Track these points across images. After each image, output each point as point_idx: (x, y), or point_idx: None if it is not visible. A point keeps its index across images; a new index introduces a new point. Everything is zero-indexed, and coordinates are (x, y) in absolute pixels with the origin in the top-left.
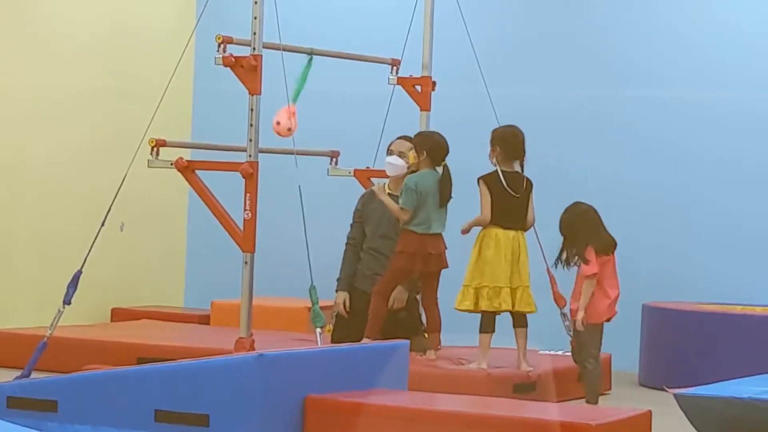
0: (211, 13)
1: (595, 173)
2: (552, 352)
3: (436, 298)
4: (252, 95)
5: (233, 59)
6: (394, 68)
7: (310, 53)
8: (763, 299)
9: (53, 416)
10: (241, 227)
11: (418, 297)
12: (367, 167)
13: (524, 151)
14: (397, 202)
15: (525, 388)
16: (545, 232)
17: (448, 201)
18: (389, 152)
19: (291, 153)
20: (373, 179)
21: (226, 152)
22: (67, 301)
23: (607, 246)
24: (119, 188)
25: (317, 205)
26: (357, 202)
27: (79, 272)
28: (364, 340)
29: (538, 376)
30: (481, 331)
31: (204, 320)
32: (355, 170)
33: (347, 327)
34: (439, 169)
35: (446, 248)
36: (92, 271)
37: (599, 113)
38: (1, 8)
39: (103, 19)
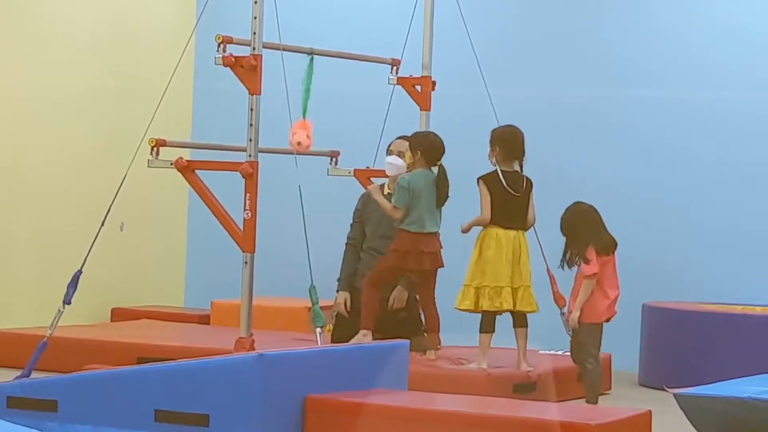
0: (211, 13)
1: (595, 173)
2: (552, 352)
3: (434, 298)
4: (252, 95)
5: (233, 59)
6: (394, 68)
7: (310, 53)
8: (763, 299)
9: (53, 416)
10: (241, 227)
11: (418, 297)
12: (367, 167)
13: (524, 151)
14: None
15: (525, 388)
16: (545, 232)
17: (445, 201)
18: (389, 152)
19: (291, 153)
20: (373, 179)
21: (226, 152)
22: (67, 301)
23: (608, 246)
24: (119, 188)
25: (317, 205)
26: (357, 202)
27: (79, 272)
28: (362, 332)
29: (538, 376)
30: (481, 331)
31: (204, 320)
32: (355, 170)
33: (347, 327)
34: (435, 170)
35: (441, 247)
36: (92, 271)
37: (599, 113)
38: (1, 8)
39: (103, 19)
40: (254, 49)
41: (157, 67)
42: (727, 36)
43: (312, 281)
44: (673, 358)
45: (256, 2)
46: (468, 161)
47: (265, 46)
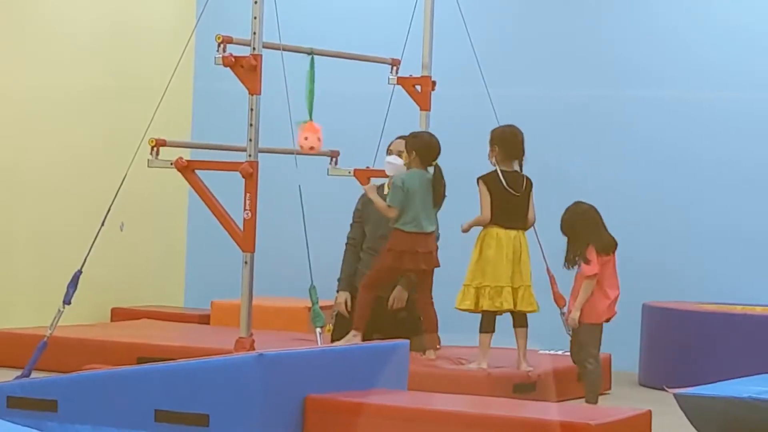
0: (211, 13)
1: (595, 173)
2: (552, 352)
3: (431, 298)
4: (252, 95)
5: (233, 59)
6: (394, 68)
7: (310, 53)
8: (763, 299)
9: (53, 416)
10: (241, 227)
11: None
12: (367, 167)
13: (523, 151)
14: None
15: (525, 388)
16: (545, 231)
17: (441, 201)
18: (389, 152)
19: (291, 153)
20: (373, 179)
21: (226, 152)
22: (67, 301)
23: (608, 246)
24: (119, 188)
25: (317, 205)
26: (357, 202)
27: (79, 272)
28: (352, 332)
29: (538, 376)
30: (481, 331)
31: (204, 320)
32: (355, 170)
33: (347, 327)
34: (431, 170)
35: (437, 248)
36: (92, 271)
37: (599, 113)
38: (1, 8)
39: (103, 19)
40: (254, 49)
41: (157, 67)
42: (727, 36)
43: (312, 281)
44: (673, 358)
45: (256, 2)
46: (468, 161)
47: (265, 46)
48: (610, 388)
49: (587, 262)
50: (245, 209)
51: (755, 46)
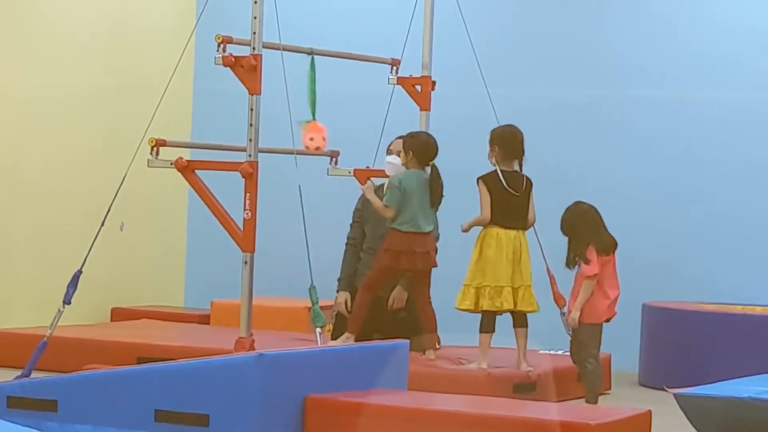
0: (211, 13)
1: (595, 173)
2: (552, 352)
3: (429, 298)
4: (252, 95)
5: (233, 59)
6: (394, 68)
7: (310, 53)
8: (763, 299)
9: (53, 416)
10: (241, 227)
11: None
12: (367, 167)
13: (523, 151)
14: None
15: (525, 388)
16: (545, 231)
17: (439, 201)
18: (389, 152)
19: (291, 153)
20: (373, 179)
21: (226, 152)
22: (67, 301)
23: (608, 246)
24: (119, 188)
25: (317, 205)
26: (357, 202)
27: (79, 272)
28: (345, 334)
29: (538, 376)
30: (481, 331)
31: (204, 320)
32: (355, 170)
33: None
34: (428, 170)
35: (435, 248)
36: (92, 271)
37: (599, 113)
38: (1, 8)
39: (103, 19)
40: (254, 49)
41: (157, 67)
42: (727, 36)
43: (312, 281)
44: (673, 358)
45: (256, 2)
46: (468, 161)
47: (265, 46)
48: (610, 388)
49: (587, 262)
50: (245, 209)
51: (755, 46)
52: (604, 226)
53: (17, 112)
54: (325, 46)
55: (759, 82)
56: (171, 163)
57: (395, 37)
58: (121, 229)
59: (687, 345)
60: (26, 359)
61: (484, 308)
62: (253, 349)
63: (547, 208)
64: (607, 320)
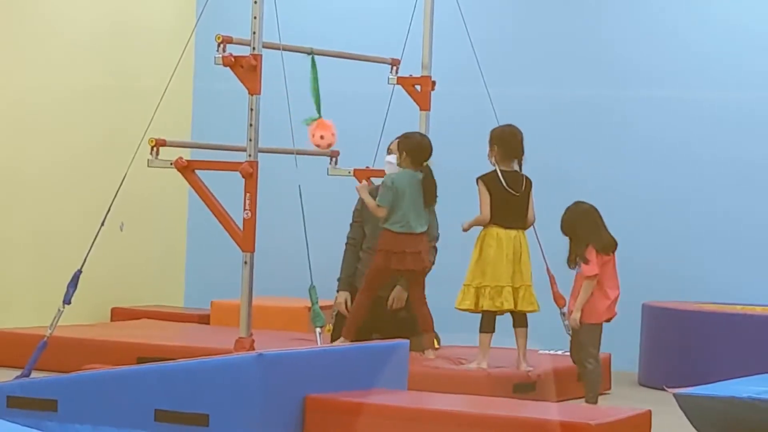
0: (211, 13)
1: (595, 173)
2: (552, 352)
3: (424, 298)
4: (252, 95)
5: (233, 59)
6: (394, 68)
7: (310, 53)
8: (763, 299)
9: (53, 416)
10: (241, 227)
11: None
12: (367, 167)
13: (523, 151)
14: None
15: (525, 387)
16: (545, 231)
17: (432, 202)
18: (389, 152)
19: (291, 153)
20: (373, 179)
21: (225, 152)
22: (67, 301)
23: (608, 246)
24: (119, 188)
25: (317, 205)
26: (357, 202)
27: (79, 272)
28: (340, 339)
29: (538, 376)
30: (481, 331)
31: (204, 320)
32: (355, 170)
33: None
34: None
35: (434, 249)
36: (92, 271)
37: (599, 113)
38: (1, 8)
39: (103, 19)
40: (254, 49)
41: (157, 67)
42: (727, 35)
43: (312, 281)
44: (673, 358)
45: (256, 2)
46: (468, 161)
47: (265, 46)
48: (610, 388)
49: (586, 262)
50: (245, 209)
51: (755, 46)
52: (604, 226)
53: (17, 112)
54: (325, 46)
55: (759, 82)
56: (171, 163)
57: (395, 37)
58: (121, 229)
59: (687, 345)
60: (26, 359)
61: (485, 308)
62: (253, 349)
63: (547, 208)
64: (608, 320)
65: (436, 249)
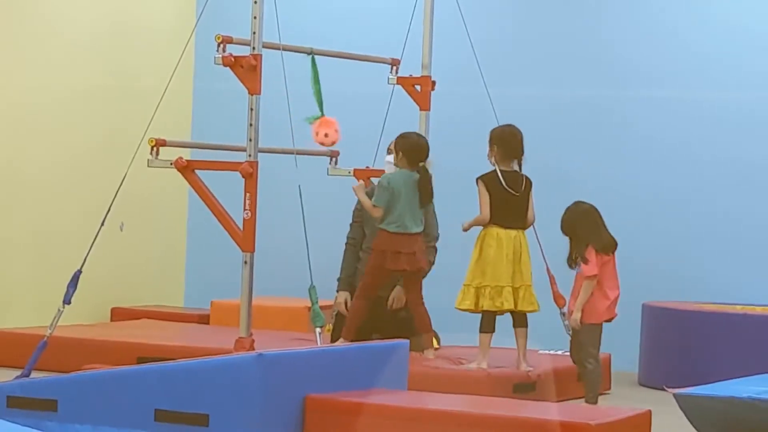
0: (211, 13)
1: (595, 173)
2: (552, 352)
3: (420, 298)
4: (252, 95)
5: (233, 59)
6: (394, 68)
7: (310, 53)
8: (763, 299)
9: (53, 416)
10: (241, 227)
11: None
12: (367, 167)
13: (522, 151)
14: None
15: (525, 387)
16: (545, 231)
17: (428, 202)
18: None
19: (291, 153)
20: (372, 179)
21: (225, 152)
22: (67, 301)
23: (608, 246)
24: (119, 188)
25: (317, 205)
26: (357, 202)
27: (79, 272)
28: (340, 341)
29: (538, 376)
30: (481, 331)
31: (204, 320)
32: (355, 170)
33: None
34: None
35: (424, 250)
36: (92, 271)
37: (599, 113)
38: (1, 8)
39: (103, 19)
40: (254, 49)
41: (157, 67)
42: (727, 35)
43: (312, 281)
44: (673, 358)
45: (256, 2)
46: (468, 161)
47: (265, 46)
48: (610, 388)
49: (586, 262)
50: (245, 209)
51: (755, 46)
52: (605, 226)
53: (17, 112)
54: (325, 46)
55: (759, 82)
56: (171, 163)
57: (395, 37)
58: (121, 229)
59: (687, 345)
60: (26, 359)
61: (485, 308)
62: (253, 349)
63: (547, 208)
64: (609, 320)
65: (436, 249)
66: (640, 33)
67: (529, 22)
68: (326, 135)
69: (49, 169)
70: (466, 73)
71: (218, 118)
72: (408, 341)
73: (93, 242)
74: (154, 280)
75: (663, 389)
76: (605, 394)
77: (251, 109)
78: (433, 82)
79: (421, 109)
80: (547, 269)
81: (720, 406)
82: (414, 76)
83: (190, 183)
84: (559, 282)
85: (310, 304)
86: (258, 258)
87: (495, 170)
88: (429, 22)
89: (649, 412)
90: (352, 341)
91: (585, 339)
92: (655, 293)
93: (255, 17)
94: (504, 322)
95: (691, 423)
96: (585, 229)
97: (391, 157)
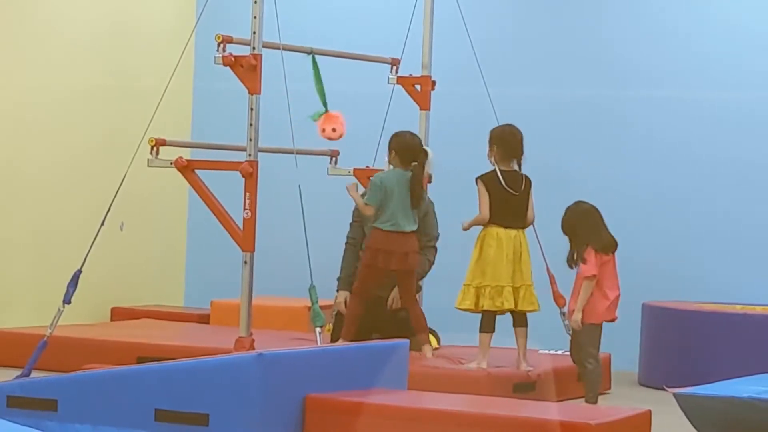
0: (211, 13)
1: (595, 173)
2: (552, 352)
3: (414, 298)
4: (252, 95)
5: (233, 59)
6: (394, 68)
7: (310, 53)
8: (763, 299)
9: (53, 415)
10: (241, 227)
11: (417, 296)
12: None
13: (522, 150)
14: None
15: (525, 387)
16: (545, 231)
17: (419, 203)
18: None
19: (291, 152)
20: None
21: (225, 151)
22: (67, 301)
23: (607, 246)
24: (119, 188)
25: (317, 205)
26: None
27: (79, 272)
28: (340, 341)
29: (538, 376)
30: (481, 331)
31: (204, 320)
32: (355, 170)
33: None
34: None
35: (418, 249)
36: (92, 271)
37: (599, 112)
38: (1, 8)
39: (103, 19)
40: (254, 48)
41: (157, 67)
42: (727, 35)
43: (312, 281)
44: (673, 358)
45: (256, 2)
46: (468, 161)
47: (265, 46)
48: (610, 388)
49: (585, 262)
50: (245, 209)
51: (755, 46)
52: (605, 227)
53: (17, 111)
54: (325, 46)
55: (759, 82)
56: (171, 163)
57: (395, 37)
58: (121, 229)
59: (687, 345)
60: (26, 359)
61: (485, 308)
62: (253, 349)
63: (547, 208)
64: (611, 321)
65: (436, 249)
66: (640, 33)
67: (529, 22)
68: (333, 129)
69: (49, 169)
70: (466, 73)
71: (218, 118)
72: (408, 341)
73: (93, 242)
74: (154, 280)
75: (663, 389)
76: (605, 394)
77: (251, 109)
78: (433, 82)
79: (421, 109)
80: (547, 269)
81: (720, 406)
82: (414, 75)
83: (190, 183)
84: (559, 282)
85: (310, 304)
86: (258, 258)
87: (495, 170)
88: (429, 22)
89: (649, 412)
90: (351, 341)
91: (585, 339)
92: (655, 293)
93: (255, 17)
94: (504, 321)
95: (691, 423)
96: (585, 229)
97: None
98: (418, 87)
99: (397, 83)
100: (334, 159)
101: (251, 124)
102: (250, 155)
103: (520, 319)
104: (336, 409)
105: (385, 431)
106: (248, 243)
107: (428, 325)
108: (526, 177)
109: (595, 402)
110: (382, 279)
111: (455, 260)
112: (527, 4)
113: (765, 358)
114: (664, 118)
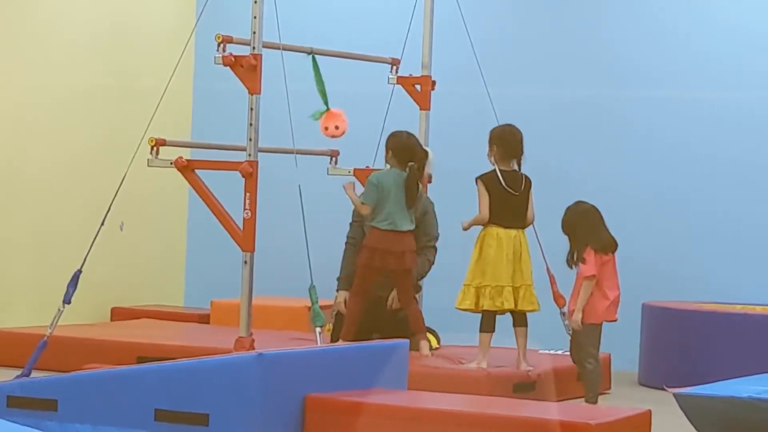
0: (211, 13)
1: (595, 173)
2: (552, 352)
3: (412, 297)
4: (252, 95)
5: (233, 58)
6: (394, 68)
7: (310, 53)
8: (763, 299)
9: (53, 415)
10: (241, 227)
11: (417, 296)
12: (367, 166)
13: (522, 150)
14: None
15: (525, 387)
16: (545, 231)
17: (414, 203)
18: None
19: (291, 152)
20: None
21: (225, 151)
22: (67, 301)
23: (607, 246)
24: (119, 188)
25: (317, 205)
26: None
27: (79, 271)
28: (340, 341)
29: (538, 376)
30: (481, 331)
31: (204, 319)
32: (355, 169)
33: None
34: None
35: (414, 249)
36: (92, 271)
37: (599, 113)
38: (1, 8)
39: (103, 19)
40: (254, 48)
41: (157, 67)
42: (727, 36)
43: (312, 281)
44: (672, 358)
45: (256, 2)
46: (468, 161)
47: (265, 46)
48: (610, 388)
49: (584, 262)
50: (245, 209)
51: (755, 46)
52: (605, 227)
53: (17, 112)
54: (325, 46)
55: (759, 82)
56: (171, 163)
57: (395, 37)
58: (121, 229)
59: (687, 345)
60: (26, 359)
61: (485, 308)
62: (253, 349)
63: (547, 207)
64: (612, 321)
65: (435, 249)
66: (640, 33)
67: (529, 22)
68: (336, 127)
69: (49, 169)
70: (466, 73)
71: (218, 118)
72: (408, 341)
73: (93, 242)
74: (154, 280)
75: (663, 389)
76: (605, 393)
77: (251, 109)
78: (433, 82)
79: (421, 109)
80: (547, 269)
81: (720, 406)
82: (414, 75)
83: (190, 183)
84: (559, 282)
85: (310, 304)
86: (258, 258)
87: (494, 170)
88: (429, 22)
89: (649, 411)
90: (351, 341)
91: (584, 339)
92: (655, 293)
93: (255, 17)
94: (504, 321)
95: (691, 423)
96: (584, 229)
97: None
98: (418, 87)
99: (397, 83)
100: (334, 159)
101: (251, 124)
102: (250, 155)
103: (520, 319)
104: (336, 409)
105: (385, 431)
106: (248, 243)
107: (428, 325)
108: (526, 177)
109: (595, 402)
110: (379, 278)
111: (455, 260)
112: (527, 4)
113: (765, 358)
114: (664, 118)
